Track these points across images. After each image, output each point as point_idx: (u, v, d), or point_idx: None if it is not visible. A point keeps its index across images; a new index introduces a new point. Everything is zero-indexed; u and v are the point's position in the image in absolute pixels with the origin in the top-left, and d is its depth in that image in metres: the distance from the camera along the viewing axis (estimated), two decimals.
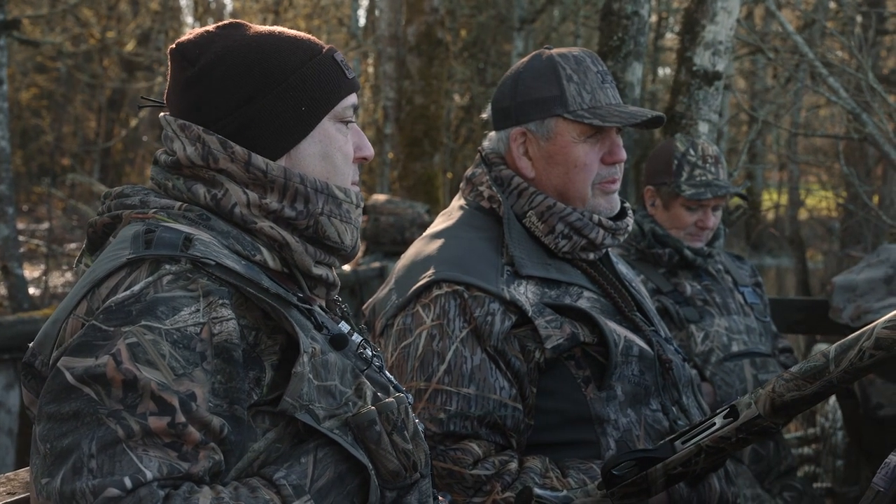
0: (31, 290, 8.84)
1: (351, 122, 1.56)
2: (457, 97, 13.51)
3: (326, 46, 1.56)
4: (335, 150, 1.52)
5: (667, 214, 2.90)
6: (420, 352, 1.94)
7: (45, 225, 12.11)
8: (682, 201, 2.86)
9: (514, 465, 1.90)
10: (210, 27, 1.53)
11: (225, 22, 1.54)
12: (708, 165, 2.87)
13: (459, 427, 1.90)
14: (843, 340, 1.60)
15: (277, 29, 1.54)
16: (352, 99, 1.55)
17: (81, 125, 17.97)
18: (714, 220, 2.89)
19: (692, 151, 2.89)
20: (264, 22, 13.59)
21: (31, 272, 10.28)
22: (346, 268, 6.32)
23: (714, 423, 1.69)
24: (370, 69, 14.72)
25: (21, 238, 11.02)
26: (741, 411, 1.66)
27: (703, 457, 1.69)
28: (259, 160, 1.46)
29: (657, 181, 2.92)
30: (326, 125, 1.52)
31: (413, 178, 8.57)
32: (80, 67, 16.03)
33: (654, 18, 13.29)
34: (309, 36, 1.56)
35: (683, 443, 1.71)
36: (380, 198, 6.89)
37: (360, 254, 6.46)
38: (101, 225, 1.50)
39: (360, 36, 13.65)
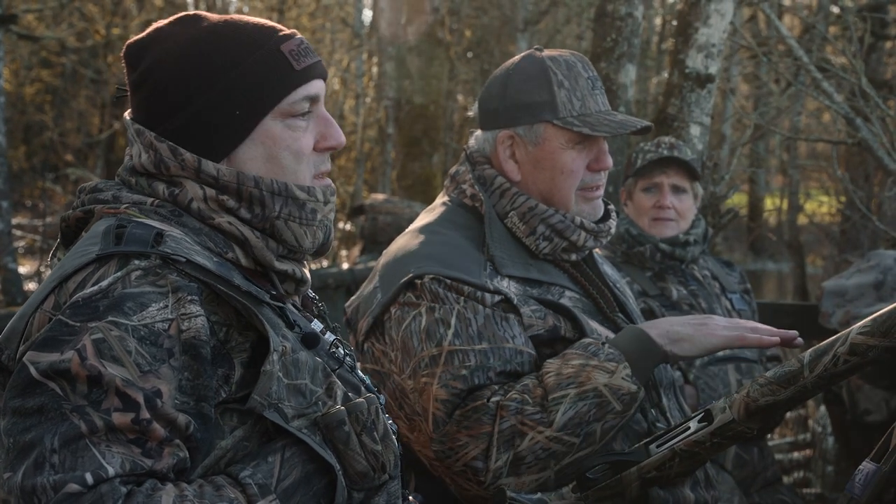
0: (31, 286, 8.84)
1: (307, 113, 1.49)
2: (460, 98, 13.49)
3: (278, 35, 1.49)
4: (281, 149, 1.47)
5: (633, 207, 2.97)
6: (423, 325, 1.92)
7: (46, 220, 12.11)
8: (639, 186, 2.94)
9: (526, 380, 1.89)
10: (163, 22, 1.50)
11: (181, 15, 1.50)
12: (661, 149, 2.91)
13: (484, 379, 1.88)
14: (818, 345, 1.59)
15: (228, 20, 1.48)
16: (306, 90, 1.48)
17: (85, 121, 17.98)
18: (675, 200, 2.91)
19: (648, 145, 2.97)
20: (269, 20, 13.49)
21: (31, 267, 10.28)
22: (344, 266, 6.31)
23: (689, 428, 1.68)
24: (374, 69, 14.69)
25: (22, 233, 11.03)
26: (716, 415, 1.66)
27: (677, 461, 1.68)
28: (209, 166, 1.43)
29: (624, 179, 3.03)
30: (269, 125, 1.46)
31: (412, 178, 8.57)
32: (85, 63, 16.04)
33: (658, 21, 13.26)
34: (261, 23, 1.49)
35: (658, 446, 1.70)
36: (378, 197, 6.89)
37: (357, 252, 6.46)
38: (74, 219, 1.49)
39: (364, 35, 13.63)
